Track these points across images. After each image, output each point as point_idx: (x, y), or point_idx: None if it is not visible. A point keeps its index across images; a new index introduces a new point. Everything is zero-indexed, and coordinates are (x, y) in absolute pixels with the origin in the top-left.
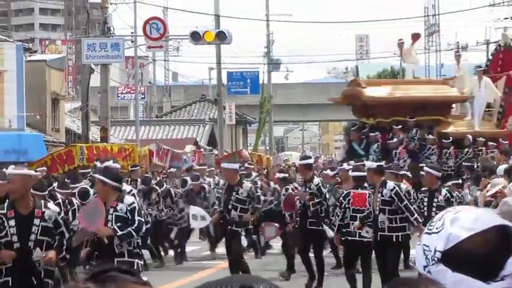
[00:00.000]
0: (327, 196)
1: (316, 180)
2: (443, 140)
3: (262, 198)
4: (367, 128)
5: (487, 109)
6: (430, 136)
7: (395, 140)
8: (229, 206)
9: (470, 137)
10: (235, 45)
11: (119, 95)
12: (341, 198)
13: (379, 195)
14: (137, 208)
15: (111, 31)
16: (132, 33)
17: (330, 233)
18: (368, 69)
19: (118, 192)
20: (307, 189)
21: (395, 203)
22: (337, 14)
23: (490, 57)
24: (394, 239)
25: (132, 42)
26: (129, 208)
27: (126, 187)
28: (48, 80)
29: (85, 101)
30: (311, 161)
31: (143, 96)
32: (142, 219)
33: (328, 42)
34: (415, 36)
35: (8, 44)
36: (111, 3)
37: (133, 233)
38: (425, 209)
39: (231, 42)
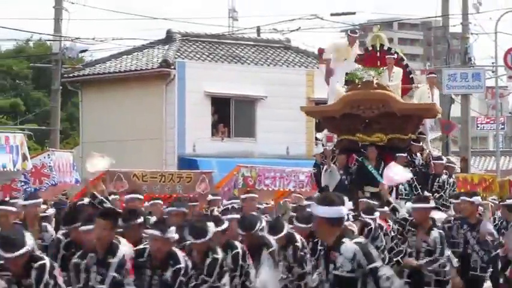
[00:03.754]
0: None
1: None
2: (449, 164)
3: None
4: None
5: None
6: (445, 159)
7: (441, 162)
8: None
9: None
10: None
11: (479, 125)
12: None
13: None
14: None
15: (471, 61)
16: (492, 63)
17: None
18: None
19: None
20: None
21: None
22: None
23: None
24: None
25: (492, 72)
26: None
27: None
28: None
29: None
30: None
31: (503, 126)
32: None
33: None
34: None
35: None
36: (472, 34)
37: None
38: None
39: None
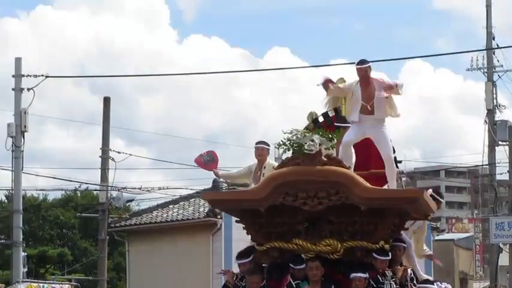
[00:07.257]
0: None
1: None
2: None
3: None
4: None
5: None
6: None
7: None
8: None
9: None
10: None
11: None
12: None
13: None
14: None
15: None
16: None
17: None
18: None
19: None
20: None
21: None
22: None
23: None
24: None
25: None
26: None
27: None
28: (456, 259)
29: (493, 280)
30: None
31: None
32: None
33: None
34: None
35: None
36: None
37: None
38: None
39: None
